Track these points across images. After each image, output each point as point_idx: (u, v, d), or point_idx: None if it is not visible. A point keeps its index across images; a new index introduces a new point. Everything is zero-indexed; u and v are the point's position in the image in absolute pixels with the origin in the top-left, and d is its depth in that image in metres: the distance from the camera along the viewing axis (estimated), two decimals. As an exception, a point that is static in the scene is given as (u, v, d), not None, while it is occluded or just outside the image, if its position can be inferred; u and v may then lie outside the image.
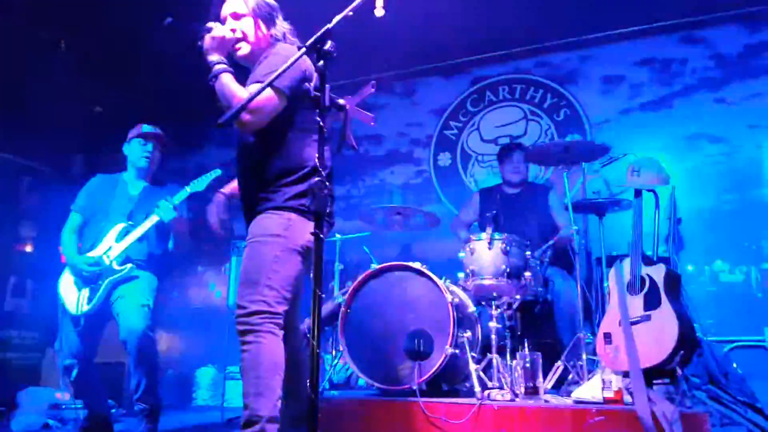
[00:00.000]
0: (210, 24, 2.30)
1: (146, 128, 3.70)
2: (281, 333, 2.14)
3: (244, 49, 2.38)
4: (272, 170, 2.26)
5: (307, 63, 2.27)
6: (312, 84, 2.26)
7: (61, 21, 4.80)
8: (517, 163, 4.24)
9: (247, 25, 2.38)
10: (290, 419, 2.27)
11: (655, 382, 2.80)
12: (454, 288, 3.38)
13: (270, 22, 2.42)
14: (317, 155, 1.79)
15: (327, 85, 1.77)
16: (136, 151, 3.67)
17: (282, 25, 2.46)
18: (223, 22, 2.38)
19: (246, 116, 2.12)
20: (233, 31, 2.35)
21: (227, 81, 2.20)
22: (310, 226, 2.14)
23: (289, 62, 1.86)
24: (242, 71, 2.37)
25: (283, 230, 2.20)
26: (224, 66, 2.24)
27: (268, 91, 2.12)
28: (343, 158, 5.75)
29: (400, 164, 5.77)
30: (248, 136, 2.31)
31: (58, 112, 5.91)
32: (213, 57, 2.25)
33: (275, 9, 2.46)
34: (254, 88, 2.09)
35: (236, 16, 2.39)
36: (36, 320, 6.16)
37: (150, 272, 3.54)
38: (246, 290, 2.14)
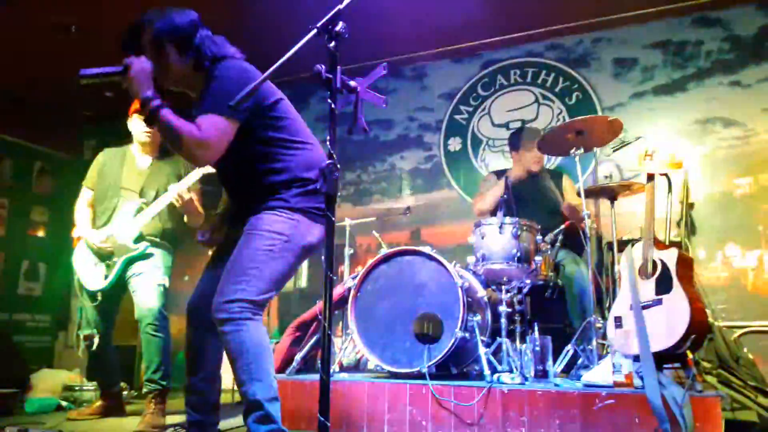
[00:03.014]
0: (126, 60, 2.15)
1: None
2: (260, 320, 2.12)
3: (167, 76, 2.27)
4: (275, 179, 2.23)
5: (250, 75, 2.17)
6: (263, 95, 2.21)
7: (72, 5, 4.79)
8: (535, 151, 4.18)
9: (161, 52, 2.25)
10: (212, 405, 2.41)
11: (665, 366, 2.79)
12: (463, 272, 3.39)
13: (184, 40, 2.26)
14: (329, 138, 1.77)
15: (338, 67, 1.76)
16: (138, 126, 3.65)
17: (204, 37, 2.29)
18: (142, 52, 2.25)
19: (199, 152, 2.07)
20: (153, 59, 2.20)
21: (169, 117, 2.06)
22: (316, 227, 2.23)
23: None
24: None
25: (287, 230, 2.18)
26: (158, 102, 2.08)
27: (217, 119, 2.06)
28: (352, 143, 5.79)
29: (410, 149, 5.75)
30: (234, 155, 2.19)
31: (70, 98, 5.95)
32: (145, 91, 2.09)
33: (189, 25, 2.29)
34: (205, 118, 2.05)
35: (150, 43, 2.26)
36: (49, 304, 6.24)
37: (164, 249, 3.57)
38: (231, 278, 2.10)
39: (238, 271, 2.11)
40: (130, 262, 3.47)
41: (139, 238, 3.48)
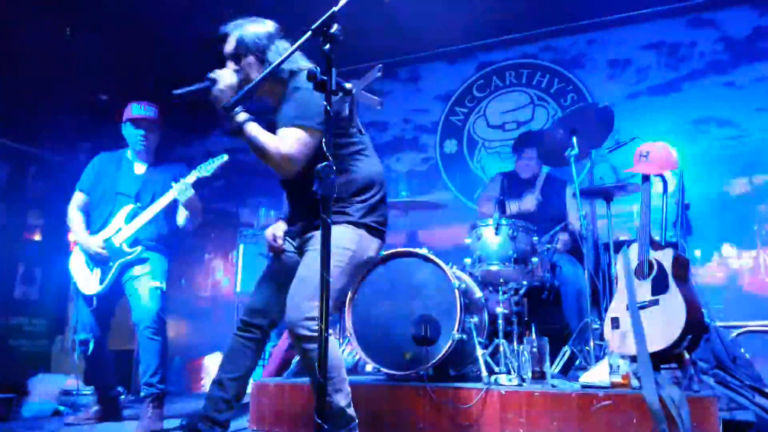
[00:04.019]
0: (211, 74, 2.24)
1: (136, 111, 3.63)
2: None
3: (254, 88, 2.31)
4: (341, 191, 2.26)
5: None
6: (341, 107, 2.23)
7: (65, 8, 4.79)
8: (528, 159, 4.23)
9: (246, 63, 2.32)
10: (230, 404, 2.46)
11: (662, 366, 2.80)
12: (460, 274, 3.38)
13: (263, 51, 2.32)
14: (324, 142, 1.77)
15: (333, 69, 1.76)
16: (131, 135, 3.65)
17: (280, 48, 2.34)
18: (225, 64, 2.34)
19: (286, 164, 2.15)
20: (237, 72, 2.29)
21: (255, 132, 2.16)
22: (375, 242, 2.34)
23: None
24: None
25: (353, 244, 2.26)
26: (245, 115, 2.19)
27: (301, 134, 2.14)
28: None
29: (405, 151, 5.75)
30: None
31: (64, 100, 5.93)
32: (229, 107, 2.19)
33: (267, 37, 2.35)
34: (289, 132, 2.13)
35: (232, 57, 2.34)
36: (45, 307, 6.21)
37: (160, 253, 3.56)
38: (306, 295, 2.15)
39: (313, 288, 2.10)
40: (126, 266, 3.47)
41: (135, 242, 3.48)
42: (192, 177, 3.43)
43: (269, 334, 2.51)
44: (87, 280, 3.49)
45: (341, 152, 2.30)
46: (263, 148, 2.14)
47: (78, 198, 3.68)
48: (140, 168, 3.68)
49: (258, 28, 2.34)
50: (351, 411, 2.22)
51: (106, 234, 3.49)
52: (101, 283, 3.45)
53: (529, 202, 3.92)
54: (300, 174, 2.23)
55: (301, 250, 2.40)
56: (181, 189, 3.39)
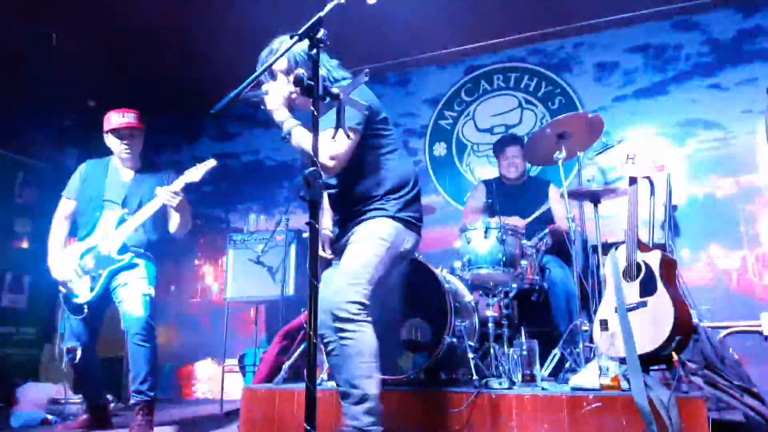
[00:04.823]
0: (264, 86, 2.46)
1: (115, 120, 3.62)
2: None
3: (298, 100, 2.51)
4: (375, 184, 2.48)
5: (368, 94, 2.49)
6: (376, 110, 2.50)
7: (53, 14, 4.76)
8: (512, 157, 4.24)
9: (291, 76, 2.46)
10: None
11: (651, 368, 2.81)
12: (450, 277, 3.39)
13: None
14: (312, 148, 1.78)
15: (320, 75, 1.76)
16: (114, 145, 3.65)
17: (328, 65, 2.55)
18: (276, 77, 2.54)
19: (330, 163, 2.32)
20: (284, 82, 2.49)
21: (302, 137, 2.35)
22: (412, 236, 2.48)
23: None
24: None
25: (390, 236, 2.42)
26: (293, 122, 2.40)
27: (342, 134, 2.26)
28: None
29: (395, 155, 5.74)
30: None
31: (52, 107, 5.90)
32: (278, 116, 2.43)
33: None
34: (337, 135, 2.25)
35: (284, 72, 2.52)
36: (34, 316, 6.16)
37: (148, 260, 3.55)
38: (349, 281, 2.31)
39: (353, 273, 2.33)
40: (115, 273, 3.45)
41: (124, 249, 3.46)
42: (179, 182, 3.42)
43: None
44: (77, 289, 3.47)
45: (376, 152, 2.51)
46: (310, 150, 2.22)
47: (64, 205, 3.66)
48: (127, 175, 3.67)
49: (304, 44, 2.46)
50: (378, 400, 2.27)
51: (94, 240, 3.48)
52: (91, 290, 3.44)
53: (517, 221, 3.82)
54: (339, 173, 2.43)
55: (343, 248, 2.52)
56: (168, 195, 3.38)
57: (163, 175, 3.63)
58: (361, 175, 2.49)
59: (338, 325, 2.28)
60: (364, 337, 2.27)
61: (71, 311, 3.48)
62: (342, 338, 2.28)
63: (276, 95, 2.45)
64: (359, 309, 2.28)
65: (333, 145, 2.29)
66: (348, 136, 2.02)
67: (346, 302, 2.27)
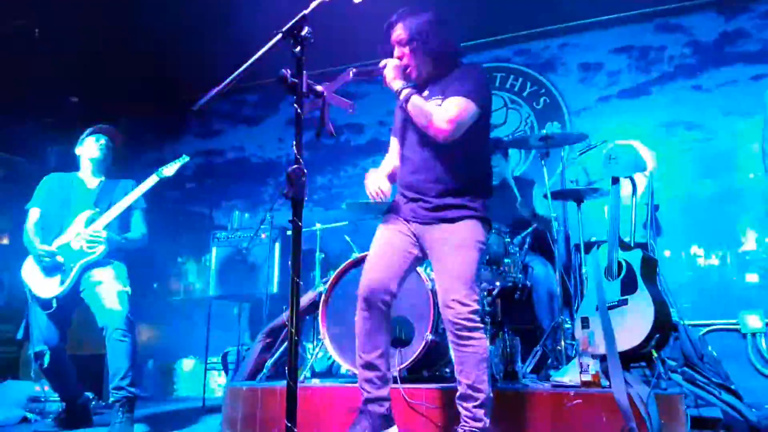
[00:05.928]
0: (383, 61, 2.56)
1: (99, 125, 3.74)
2: None
3: (413, 71, 2.58)
4: (468, 178, 2.49)
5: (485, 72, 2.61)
6: (490, 104, 2.59)
7: (35, 10, 4.71)
8: (493, 164, 4.24)
9: (412, 48, 2.55)
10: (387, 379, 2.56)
11: (631, 365, 2.84)
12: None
13: (433, 39, 2.53)
14: (295, 143, 1.78)
15: (304, 72, 1.76)
16: (90, 145, 3.69)
17: (450, 36, 2.62)
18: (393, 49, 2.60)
19: (446, 126, 2.38)
20: (400, 57, 2.57)
21: (418, 102, 2.44)
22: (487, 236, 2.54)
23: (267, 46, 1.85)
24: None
25: (484, 239, 2.48)
26: (408, 90, 2.49)
27: (470, 105, 2.40)
28: (324, 147, 5.78)
29: (381, 153, 5.68)
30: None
31: (33, 103, 5.83)
32: (395, 85, 2.52)
33: (425, 23, 2.55)
34: (455, 101, 2.39)
35: (400, 43, 2.58)
36: (13, 313, 6.06)
37: (118, 259, 3.54)
38: (465, 288, 2.35)
39: (466, 280, 2.37)
40: (87, 268, 3.42)
41: (94, 243, 3.44)
42: (150, 181, 3.55)
43: (392, 305, 2.53)
44: (45, 284, 3.43)
45: (482, 145, 2.61)
46: (427, 112, 2.40)
47: (33, 215, 3.63)
48: (93, 182, 3.71)
49: (420, 17, 2.58)
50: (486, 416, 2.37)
51: (65, 239, 3.46)
52: (62, 284, 3.40)
53: None
54: (447, 144, 2.44)
55: (416, 236, 2.53)
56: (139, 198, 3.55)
57: (128, 185, 3.67)
58: (464, 160, 2.49)
59: (465, 334, 2.34)
60: (485, 344, 2.38)
61: (40, 306, 3.44)
62: (467, 345, 2.35)
63: (392, 69, 2.53)
64: (478, 316, 2.37)
65: (454, 110, 2.37)
66: (333, 135, 2.01)
67: (470, 311, 2.33)
